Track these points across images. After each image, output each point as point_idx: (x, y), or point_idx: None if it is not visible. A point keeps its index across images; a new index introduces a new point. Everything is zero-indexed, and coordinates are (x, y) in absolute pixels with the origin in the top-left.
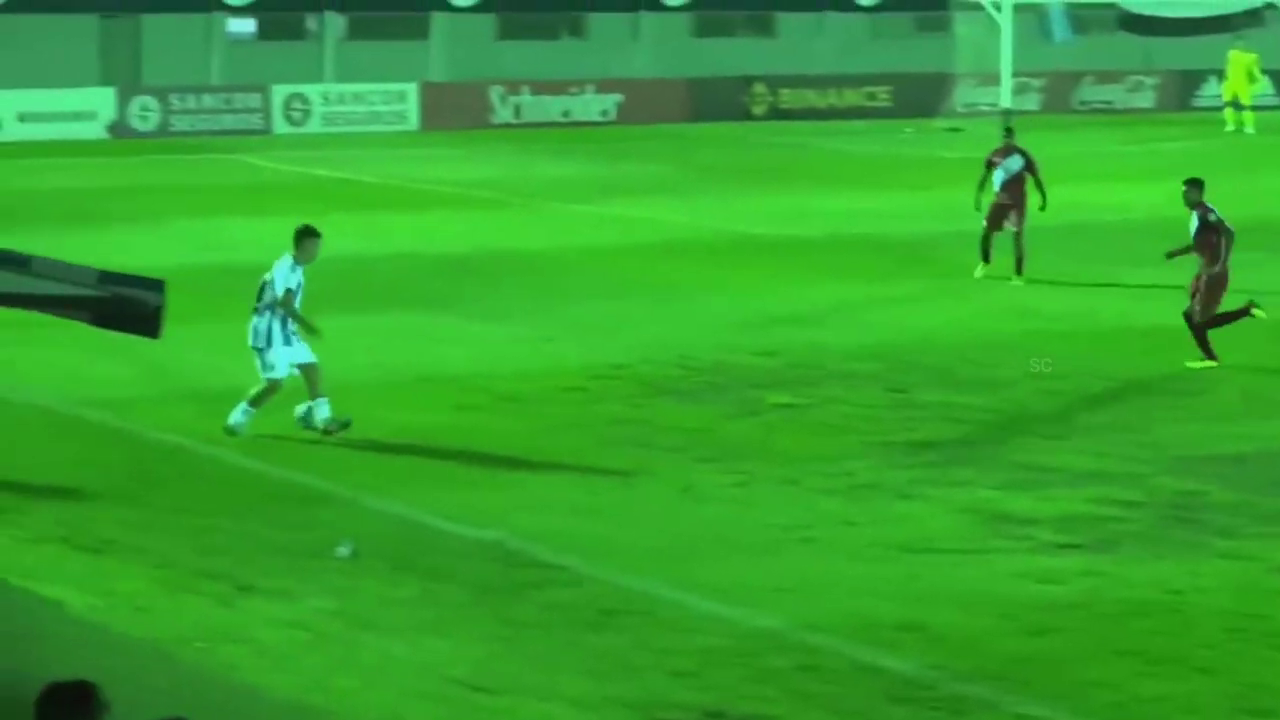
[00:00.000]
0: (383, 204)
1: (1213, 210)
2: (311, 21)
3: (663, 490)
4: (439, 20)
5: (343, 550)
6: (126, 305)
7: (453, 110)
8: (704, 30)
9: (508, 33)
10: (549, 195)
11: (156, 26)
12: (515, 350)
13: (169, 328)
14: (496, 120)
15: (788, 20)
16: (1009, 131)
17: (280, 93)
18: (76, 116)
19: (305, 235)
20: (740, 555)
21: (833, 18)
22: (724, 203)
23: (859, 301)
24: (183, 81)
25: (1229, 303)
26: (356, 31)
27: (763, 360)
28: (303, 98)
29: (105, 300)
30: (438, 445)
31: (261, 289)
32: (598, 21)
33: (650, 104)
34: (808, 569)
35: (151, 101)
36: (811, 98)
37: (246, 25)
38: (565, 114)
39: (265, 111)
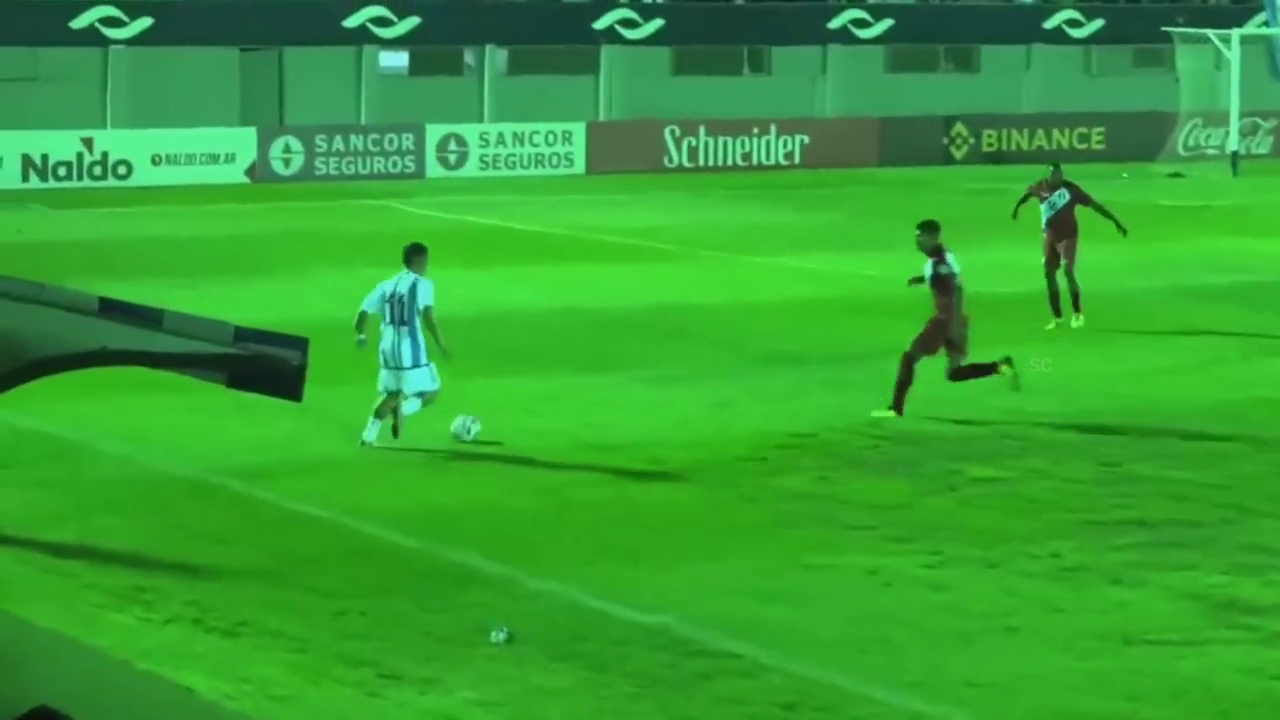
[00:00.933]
0: (545, 254)
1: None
2: (469, 56)
3: (848, 572)
4: (609, 54)
5: (498, 635)
6: (265, 364)
7: (623, 152)
8: (898, 65)
9: (683, 67)
10: (726, 246)
11: (301, 61)
12: (687, 416)
13: (311, 389)
14: (670, 163)
15: (991, 54)
16: (1056, 167)
17: (434, 133)
18: (214, 159)
19: (421, 251)
20: (935, 645)
21: (1041, 51)
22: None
23: (1064, 365)
24: (329, 120)
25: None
26: (518, 66)
27: (959, 429)
28: (459, 138)
29: (242, 359)
30: (601, 519)
31: (393, 305)
32: (782, 56)
33: (839, 146)
34: (1010, 661)
35: (295, 143)
36: (1017, 139)
37: (398, 60)
38: (745, 157)
39: (418, 153)
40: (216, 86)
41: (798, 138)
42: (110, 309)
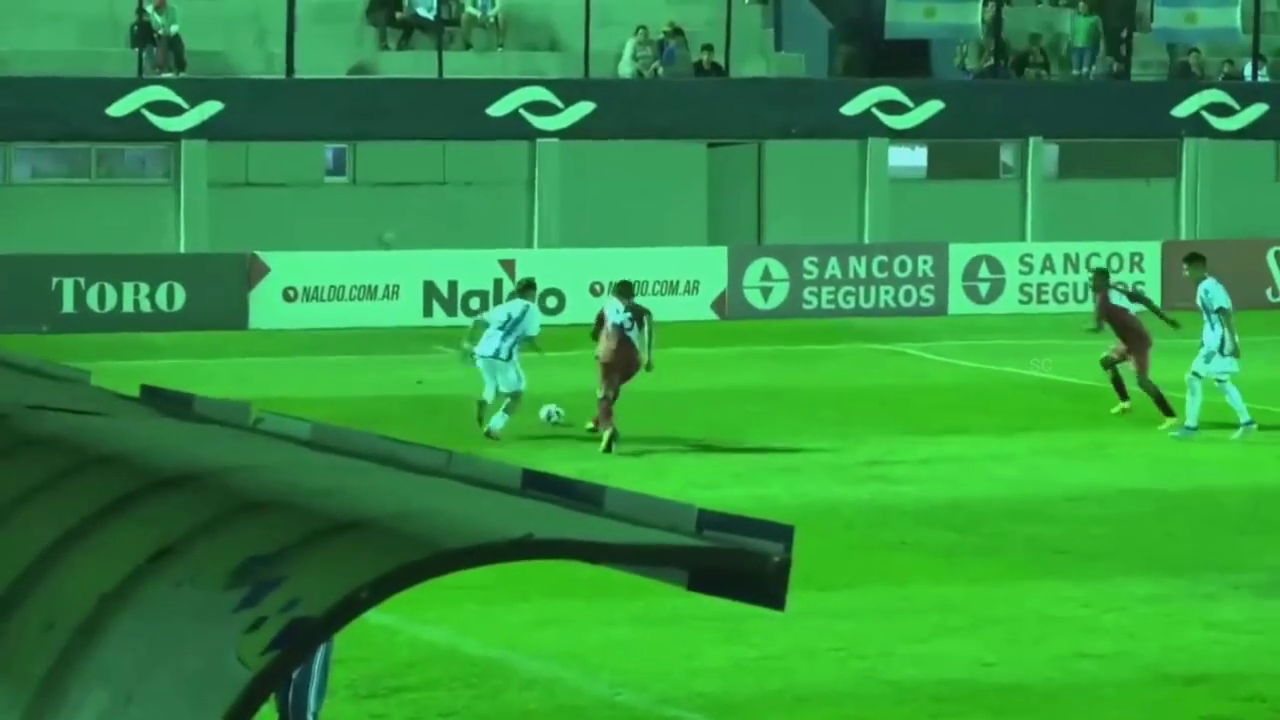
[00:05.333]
0: (1109, 417)
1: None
2: (1007, 153)
3: None
4: (1193, 151)
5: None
6: (739, 560)
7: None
8: None
9: None
10: None
11: (786, 159)
12: None
13: (797, 594)
14: (1275, 298)
15: None
16: (1101, 274)
17: (960, 255)
18: (671, 287)
19: (532, 287)
20: None
21: None
22: None
23: None
24: (820, 239)
25: None
26: (1072, 166)
27: None
28: (993, 262)
29: (709, 552)
30: None
31: (507, 321)
32: None
33: None
34: None
35: (776, 267)
36: None
37: (914, 158)
38: None
39: (938, 282)
40: (675, 193)
41: None
42: (538, 484)
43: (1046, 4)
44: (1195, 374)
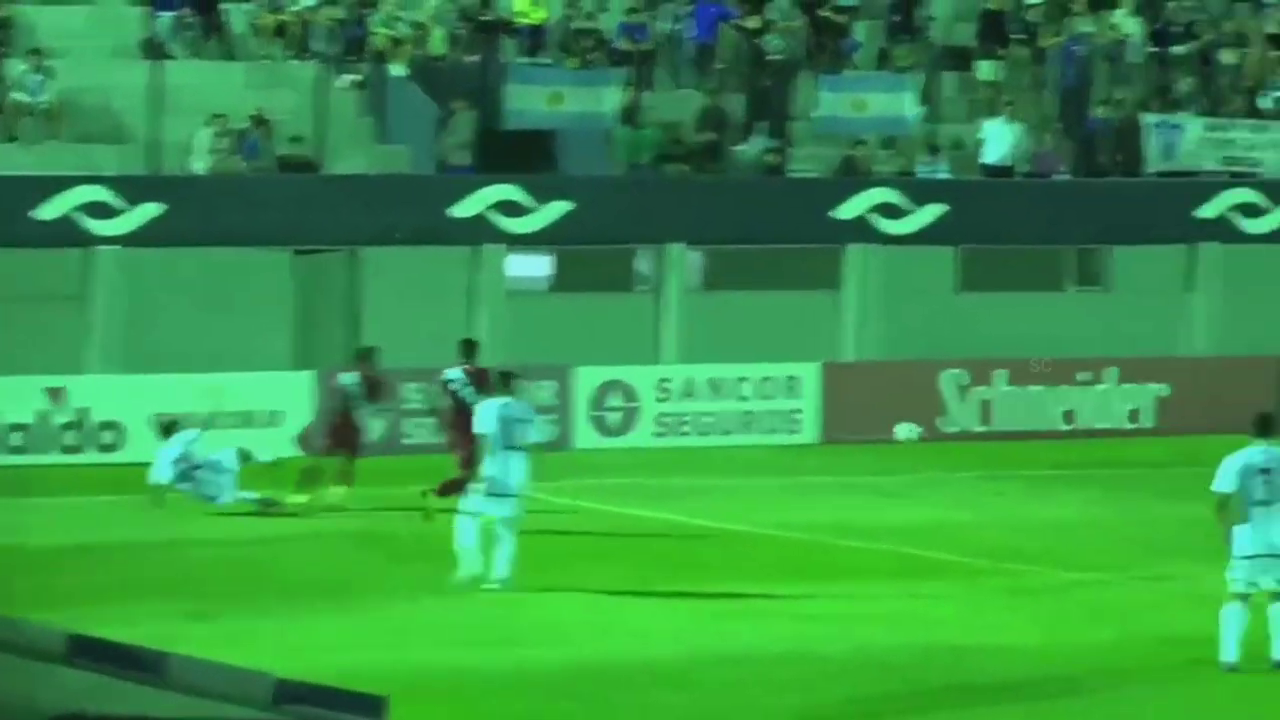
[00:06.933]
0: (761, 570)
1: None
2: (643, 261)
3: None
4: (856, 258)
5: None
6: None
7: (875, 408)
8: None
9: (974, 279)
10: (1042, 558)
11: (389, 263)
12: None
13: None
14: (950, 427)
15: None
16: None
17: (588, 379)
18: (248, 419)
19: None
20: None
21: None
22: None
23: None
24: (424, 362)
25: None
26: (718, 276)
27: None
28: (625, 388)
29: None
30: None
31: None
32: (1129, 260)
33: (1215, 398)
34: None
35: None
36: None
37: (537, 266)
38: (1068, 416)
39: (562, 410)
40: (257, 308)
41: (1150, 388)
42: (89, 652)
43: (693, 89)
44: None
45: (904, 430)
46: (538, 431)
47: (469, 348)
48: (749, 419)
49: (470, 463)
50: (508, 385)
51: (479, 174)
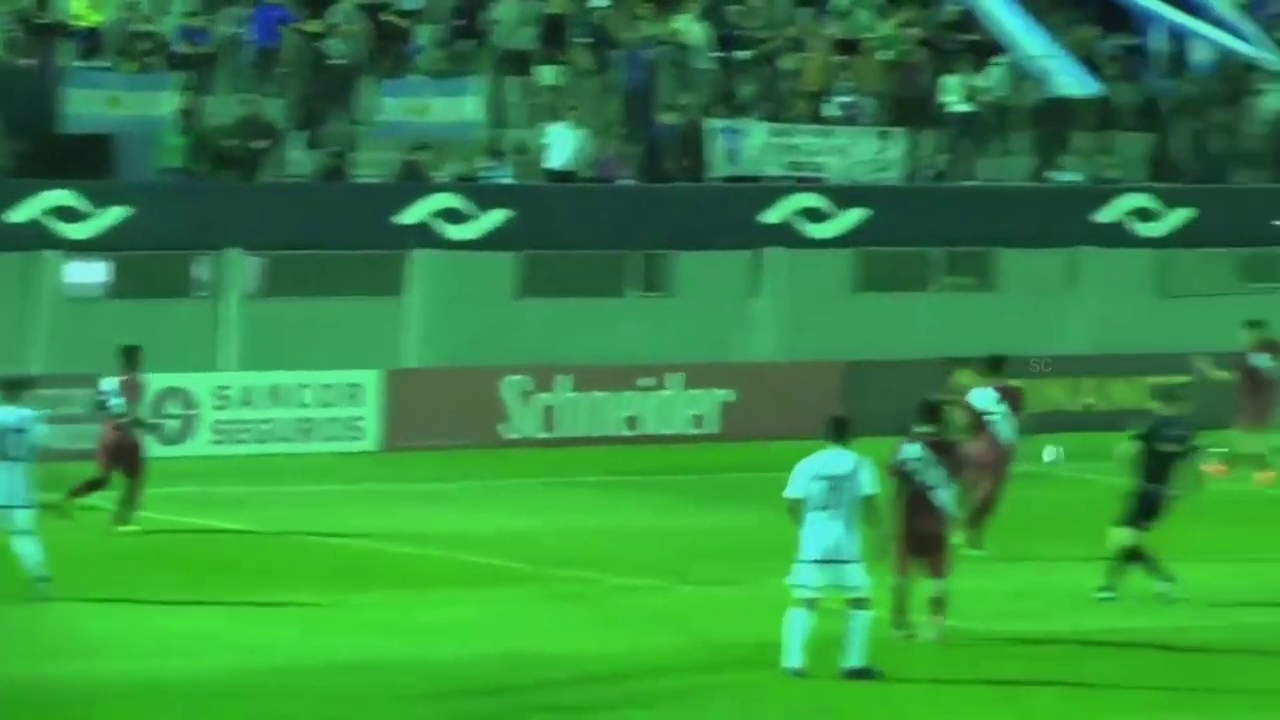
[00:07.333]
0: (319, 579)
1: None
2: (201, 266)
3: None
4: (421, 263)
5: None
6: None
7: (439, 416)
8: (870, 281)
9: (536, 284)
10: (600, 564)
11: None
12: None
13: None
14: (511, 434)
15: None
16: None
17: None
18: None
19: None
20: None
21: None
22: None
23: None
24: None
25: None
26: (278, 282)
27: None
28: (183, 395)
29: None
30: None
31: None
32: (692, 266)
33: (778, 403)
34: None
35: None
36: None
37: (95, 272)
38: (631, 422)
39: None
40: None
41: (715, 394)
42: None
43: (257, 94)
44: None
45: (1050, 453)
46: (41, 439)
47: None
48: (309, 426)
49: None
50: (14, 394)
51: (35, 179)
